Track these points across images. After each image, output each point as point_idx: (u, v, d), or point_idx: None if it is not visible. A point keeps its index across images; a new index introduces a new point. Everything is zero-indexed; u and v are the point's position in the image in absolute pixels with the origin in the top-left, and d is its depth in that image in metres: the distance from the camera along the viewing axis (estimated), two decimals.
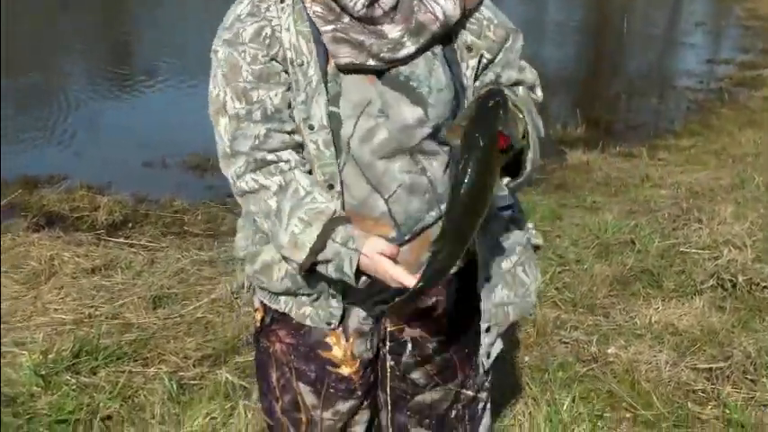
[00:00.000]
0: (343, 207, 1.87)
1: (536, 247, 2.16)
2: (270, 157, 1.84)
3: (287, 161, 1.85)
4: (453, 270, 1.85)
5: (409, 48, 1.83)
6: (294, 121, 1.85)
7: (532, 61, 2.04)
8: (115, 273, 4.56)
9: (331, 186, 1.85)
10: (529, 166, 1.81)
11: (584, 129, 8.42)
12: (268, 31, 1.83)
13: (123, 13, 16.31)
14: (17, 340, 3.77)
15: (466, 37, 1.92)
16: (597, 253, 5.02)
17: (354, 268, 1.76)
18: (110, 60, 11.92)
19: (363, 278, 1.80)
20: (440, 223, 1.93)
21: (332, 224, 1.78)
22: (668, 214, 5.76)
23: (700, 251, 4.99)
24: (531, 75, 2.00)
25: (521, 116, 1.75)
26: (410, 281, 1.71)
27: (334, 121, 1.83)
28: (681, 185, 6.46)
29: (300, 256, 1.80)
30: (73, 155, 7.27)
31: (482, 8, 1.95)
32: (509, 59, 1.96)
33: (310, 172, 1.87)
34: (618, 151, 7.60)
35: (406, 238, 1.93)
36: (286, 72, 1.83)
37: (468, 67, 1.91)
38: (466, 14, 1.90)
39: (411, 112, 1.85)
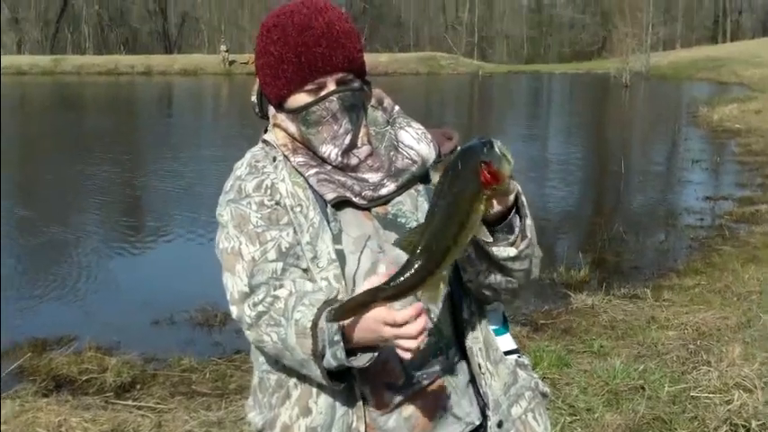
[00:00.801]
0: None
1: (543, 395, 2.17)
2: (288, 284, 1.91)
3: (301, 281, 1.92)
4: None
5: (389, 186, 1.99)
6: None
7: (534, 201, 2.15)
8: None
9: None
10: (528, 214, 1.88)
11: (587, 270, 8.47)
12: (268, 182, 1.99)
13: (140, 165, 16.78)
14: None
15: None
16: (607, 401, 4.98)
17: (338, 331, 1.74)
18: (122, 214, 12.19)
19: (366, 356, 1.77)
20: (449, 378, 1.99)
21: (328, 303, 1.79)
22: (677, 357, 5.74)
23: (711, 395, 4.95)
24: None
25: (508, 161, 1.75)
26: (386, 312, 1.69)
27: (340, 257, 1.93)
28: (687, 326, 6.44)
29: (307, 342, 1.78)
30: (83, 314, 7.34)
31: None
32: None
33: None
34: (622, 293, 7.62)
35: (414, 383, 1.95)
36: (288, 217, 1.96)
37: None
38: (441, 159, 2.06)
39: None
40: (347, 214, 1.98)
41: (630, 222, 11.45)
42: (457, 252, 1.73)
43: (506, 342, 2.14)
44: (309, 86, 1.96)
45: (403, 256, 1.92)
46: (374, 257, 1.95)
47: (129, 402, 5.22)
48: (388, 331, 1.67)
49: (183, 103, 38.83)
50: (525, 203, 1.89)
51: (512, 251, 1.87)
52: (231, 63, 58.36)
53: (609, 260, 9.29)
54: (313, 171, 1.98)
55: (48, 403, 4.96)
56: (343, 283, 1.92)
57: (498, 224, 1.85)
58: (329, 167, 1.99)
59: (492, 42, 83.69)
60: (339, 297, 1.87)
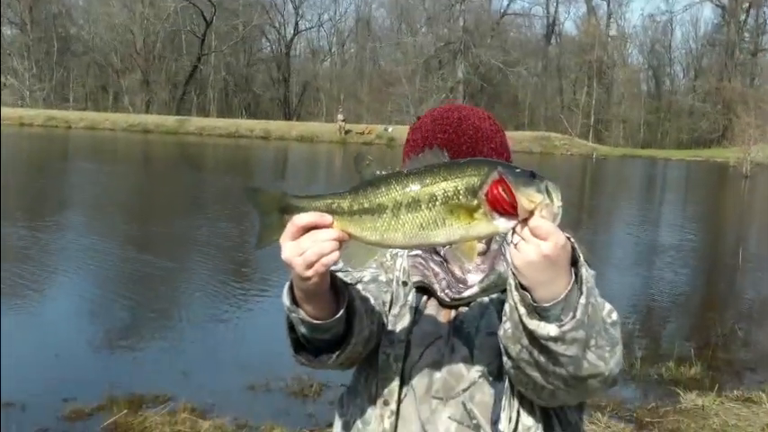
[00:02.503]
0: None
1: None
2: None
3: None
4: None
5: (473, 288, 1.94)
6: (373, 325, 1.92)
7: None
8: None
9: (386, 403, 1.91)
10: (585, 292, 1.62)
11: (698, 368, 8.08)
12: (389, 256, 2.05)
13: (250, 226, 17.09)
14: None
15: None
16: None
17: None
18: (229, 274, 12.35)
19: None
20: None
21: None
22: None
23: None
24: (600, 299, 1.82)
25: (543, 195, 1.55)
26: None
27: (406, 346, 1.94)
28: None
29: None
30: (181, 373, 7.37)
31: None
32: None
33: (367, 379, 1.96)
34: (735, 395, 7.22)
35: None
36: (388, 291, 2.00)
37: None
38: None
39: (459, 352, 1.90)
40: (430, 307, 1.98)
41: (746, 319, 10.98)
42: (393, 229, 1.59)
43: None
44: None
45: (457, 362, 1.88)
46: (435, 358, 1.92)
47: None
48: (285, 250, 1.64)
49: (298, 166, 39.68)
50: (586, 278, 1.63)
51: (552, 329, 1.60)
52: (347, 132, 59.48)
53: (722, 358, 8.86)
54: (414, 253, 2.02)
55: None
56: (401, 366, 1.92)
57: (548, 295, 1.60)
58: (437, 257, 2.01)
59: (608, 125, 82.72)
60: (393, 382, 1.91)
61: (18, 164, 30.91)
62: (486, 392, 1.87)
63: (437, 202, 1.54)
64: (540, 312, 1.61)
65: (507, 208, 1.51)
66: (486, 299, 1.94)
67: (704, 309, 11.95)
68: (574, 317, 1.60)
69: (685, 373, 7.95)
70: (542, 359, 1.66)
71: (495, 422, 1.85)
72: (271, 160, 43.60)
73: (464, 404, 1.87)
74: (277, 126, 64.30)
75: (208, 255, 13.76)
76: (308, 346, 1.86)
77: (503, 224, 1.54)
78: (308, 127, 64.59)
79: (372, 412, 1.93)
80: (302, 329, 1.81)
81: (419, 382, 1.91)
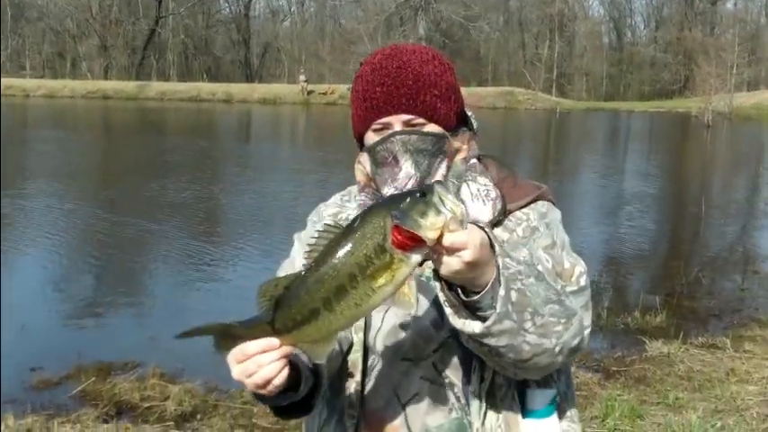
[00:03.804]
0: (362, 401, 1.86)
1: None
2: None
3: None
4: None
5: None
6: None
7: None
8: None
9: (351, 375, 1.88)
10: (502, 283, 1.57)
11: (663, 316, 8.20)
12: (344, 215, 2.00)
13: (219, 182, 17.02)
14: None
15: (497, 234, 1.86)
16: None
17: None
18: (194, 239, 12.23)
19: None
20: None
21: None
22: (757, 413, 5.49)
23: None
24: (569, 262, 1.83)
25: (441, 212, 1.46)
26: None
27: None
28: None
29: None
30: (149, 339, 7.32)
31: (532, 214, 1.90)
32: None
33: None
34: (700, 342, 7.34)
35: None
36: None
37: None
38: (506, 214, 1.88)
39: (428, 313, 1.85)
40: None
41: (710, 267, 11.12)
42: (336, 320, 1.55)
43: (545, 428, 1.88)
44: (375, 126, 1.91)
45: (426, 323, 1.84)
46: (398, 320, 1.87)
47: None
48: (233, 371, 1.60)
49: (262, 130, 39.39)
50: (503, 265, 1.59)
51: (476, 327, 1.59)
52: (309, 93, 59.03)
53: (686, 306, 8.99)
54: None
55: (107, 430, 4.95)
56: (362, 337, 1.88)
57: (479, 287, 1.58)
58: None
59: (571, 79, 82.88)
60: (356, 354, 1.87)
61: None
62: (457, 353, 1.84)
63: (358, 278, 1.51)
64: (473, 306, 1.60)
65: (417, 243, 1.47)
66: None
67: (669, 258, 12.11)
68: (495, 311, 1.58)
69: (651, 321, 8.07)
70: (484, 350, 1.67)
71: (467, 382, 1.83)
72: (234, 124, 43.23)
73: (435, 365, 1.85)
74: (239, 89, 63.64)
75: (175, 219, 13.66)
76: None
77: (419, 256, 1.50)
78: (270, 89, 64.00)
79: (339, 385, 1.91)
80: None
81: (387, 346, 1.87)
